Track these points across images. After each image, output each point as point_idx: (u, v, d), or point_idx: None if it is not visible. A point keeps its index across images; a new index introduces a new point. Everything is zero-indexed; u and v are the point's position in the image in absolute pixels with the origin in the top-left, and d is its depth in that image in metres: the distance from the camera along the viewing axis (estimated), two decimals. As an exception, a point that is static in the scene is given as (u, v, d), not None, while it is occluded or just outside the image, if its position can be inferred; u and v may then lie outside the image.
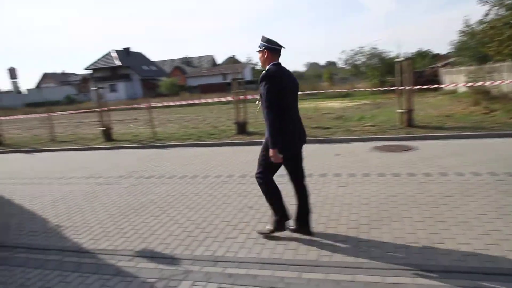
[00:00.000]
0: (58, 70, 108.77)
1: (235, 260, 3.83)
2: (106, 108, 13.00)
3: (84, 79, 68.88)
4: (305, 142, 4.16)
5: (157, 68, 69.69)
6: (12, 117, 20.88)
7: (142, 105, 16.78)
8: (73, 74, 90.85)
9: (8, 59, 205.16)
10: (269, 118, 3.75)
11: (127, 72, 61.22)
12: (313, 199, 5.33)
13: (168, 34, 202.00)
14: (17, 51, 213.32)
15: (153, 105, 20.94)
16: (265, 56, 3.95)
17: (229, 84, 34.74)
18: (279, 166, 4.10)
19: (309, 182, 6.17)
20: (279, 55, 3.98)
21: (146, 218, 5.26)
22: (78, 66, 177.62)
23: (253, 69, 73.59)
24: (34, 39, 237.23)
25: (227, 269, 3.68)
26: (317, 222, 4.57)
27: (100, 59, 62.75)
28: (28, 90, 72.39)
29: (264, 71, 3.88)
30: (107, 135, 12.53)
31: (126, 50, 65.30)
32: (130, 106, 21.41)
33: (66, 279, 3.75)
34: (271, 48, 3.93)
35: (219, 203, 5.66)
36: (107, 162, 9.53)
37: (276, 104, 3.74)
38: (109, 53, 62.77)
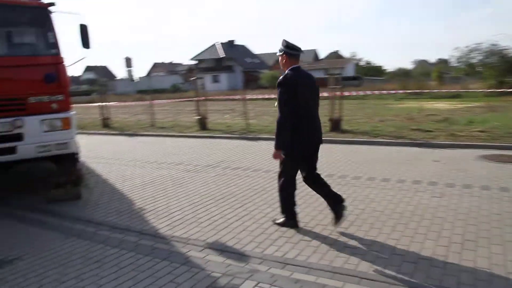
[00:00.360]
0: (167, 60, 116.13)
1: (305, 265, 3.58)
2: (203, 98, 13.39)
3: (190, 69, 72.68)
4: (321, 142, 4.32)
5: (260, 61, 70.97)
6: (122, 103, 22.69)
7: (238, 96, 17.03)
8: (180, 64, 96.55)
9: (126, 49, 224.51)
10: (279, 121, 4.02)
11: (230, 64, 63.26)
12: (401, 209, 4.88)
13: (272, 28, 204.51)
14: (135, 42, 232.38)
15: (248, 97, 21.36)
16: (284, 60, 4.12)
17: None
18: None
19: (399, 188, 5.72)
20: (298, 59, 4.16)
21: (224, 209, 5.22)
22: (186, 56, 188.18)
23: (357, 65, 71.44)
24: (149, 31, 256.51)
25: (294, 273, 3.45)
26: (402, 235, 4.13)
27: (205, 50, 65.73)
28: (140, 78, 78.36)
29: (281, 76, 4.05)
30: (202, 124, 12.93)
31: (231, 42, 67.47)
32: (225, 97, 21.96)
33: (137, 261, 3.83)
34: (289, 53, 4.08)
35: (299, 202, 5.42)
36: (198, 150, 9.79)
37: (287, 110, 3.95)
38: (214, 45, 65.44)
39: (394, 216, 4.68)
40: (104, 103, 15.71)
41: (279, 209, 4.60)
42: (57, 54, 6.13)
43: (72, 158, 6.66)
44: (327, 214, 4.81)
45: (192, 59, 66.92)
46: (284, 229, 4.46)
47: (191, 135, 12.12)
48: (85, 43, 6.71)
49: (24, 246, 4.34)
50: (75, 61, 8.66)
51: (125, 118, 19.19)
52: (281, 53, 4.13)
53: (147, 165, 8.26)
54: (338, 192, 4.40)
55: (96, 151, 10.55)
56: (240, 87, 54.75)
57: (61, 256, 4.03)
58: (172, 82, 71.23)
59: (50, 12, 6.21)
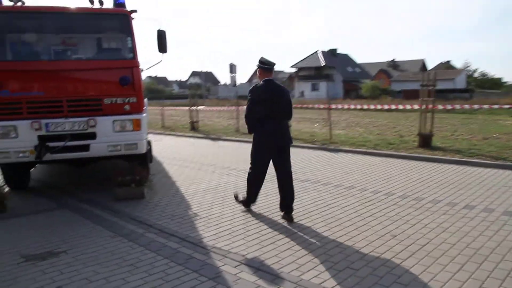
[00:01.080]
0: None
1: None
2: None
3: (290, 77, 73.13)
4: (282, 143, 5.12)
5: (362, 70, 69.05)
6: (217, 108, 23.30)
7: (321, 106, 16.45)
8: (282, 71, 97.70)
9: (233, 56, 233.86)
10: (245, 115, 5.15)
11: (331, 73, 62.37)
12: (479, 243, 4.15)
13: (374, 36, 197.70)
14: (242, 48, 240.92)
15: (340, 107, 20.71)
16: (259, 73, 5.11)
17: (440, 91, 31.63)
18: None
19: (483, 219, 4.90)
20: (271, 72, 5.10)
21: (275, 224, 4.95)
22: (288, 63, 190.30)
23: (470, 76, 65.95)
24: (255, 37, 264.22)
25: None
26: (485, 275, 3.47)
27: (306, 58, 65.67)
28: (240, 84, 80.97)
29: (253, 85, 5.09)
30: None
31: (333, 51, 66.60)
32: (311, 106, 21.45)
33: (168, 270, 3.73)
34: (263, 68, 5.06)
35: (357, 219, 4.97)
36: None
37: (250, 108, 5.01)
38: (315, 53, 65.10)
39: (467, 252, 3.99)
40: (194, 107, 16.28)
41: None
42: (133, 58, 6.37)
43: (142, 159, 6.90)
44: (386, 241, 4.30)
45: (292, 66, 67.34)
46: (331, 252, 4.05)
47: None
48: (162, 47, 6.91)
49: (75, 240, 4.50)
50: (151, 65, 9.01)
51: (217, 122, 19.74)
52: (257, 68, 5.10)
53: (218, 170, 8.28)
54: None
55: (175, 152, 10.93)
56: (339, 96, 53.71)
57: (102, 255, 4.08)
58: (271, 88, 72.21)
59: (131, 18, 6.49)
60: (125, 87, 6.26)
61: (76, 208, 5.83)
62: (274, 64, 5.03)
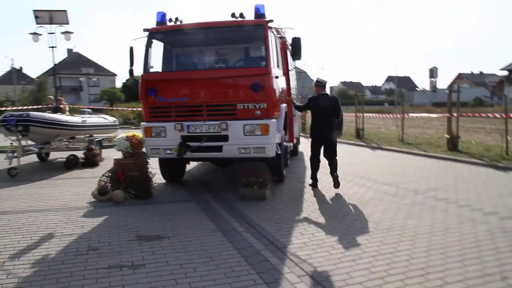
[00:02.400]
0: (476, 70, 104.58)
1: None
2: (455, 114, 11.67)
3: (500, 81, 63.96)
4: (328, 139, 7.28)
5: None
6: (389, 116, 21.97)
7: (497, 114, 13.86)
8: (493, 75, 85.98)
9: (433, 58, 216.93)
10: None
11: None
12: None
13: None
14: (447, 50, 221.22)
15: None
16: (316, 89, 7.54)
17: None
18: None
19: None
20: (324, 87, 7.49)
21: (379, 244, 4.64)
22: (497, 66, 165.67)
23: None
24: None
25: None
26: None
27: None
28: (438, 90, 74.51)
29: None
30: (452, 144, 11.38)
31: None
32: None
33: (236, 267, 3.92)
34: (318, 85, 7.51)
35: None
36: (424, 172, 8.80)
37: (302, 108, 8.45)
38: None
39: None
40: (359, 114, 15.92)
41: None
42: (266, 66, 6.77)
43: (275, 162, 7.27)
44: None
45: (502, 69, 58.72)
46: None
47: (431, 155, 10.90)
48: (297, 54, 7.13)
49: (181, 229, 5.13)
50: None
51: (391, 131, 18.66)
52: (313, 84, 7.61)
53: (357, 180, 8.09)
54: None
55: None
56: None
57: (193, 245, 4.56)
58: (476, 94, 64.75)
59: (268, 28, 6.90)
60: (256, 93, 6.69)
61: (203, 202, 6.57)
62: (325, 82, 7.50)
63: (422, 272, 3.78)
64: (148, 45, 7.18)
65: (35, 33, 15.65)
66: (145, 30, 7.24)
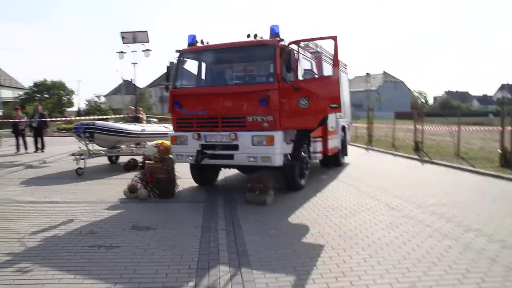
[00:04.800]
0: None
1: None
2: (510, 128, 10.94)
3: None
4: None
5: None
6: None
7: None
8: None
9: None
10: None
11: None
12: None
13: None
14: None
15: None
16: None
17: None
18: None
19: None
20: None
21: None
22: None
23: None
24: None
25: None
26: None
27: None
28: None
29: None
30: (505, 160, 10.69)
31: None
32: None
33: (162, 260, 4.68)
34: None
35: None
36: (450, 189, 8.55)
37: None
38: None
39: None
40: (418, 126, 15.44)
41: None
42: (272, 82, 7.41)
43: (288, 172, 7.92)
44: None
45: None
46: None
47: (476, 171, 10.40)
48: (287, 67, 7.53)
49: (172, 223, 6.01)
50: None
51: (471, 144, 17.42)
52: None
53: (379, 195, 7.87)
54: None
55: (367, 170, 11.09)
56: None
57: (167, 235, 5.42)
58: None
59: (278, 46, 7.53)
60: (263, 107, 7.38)
61: (212, 203, 7.38)
62: None
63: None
64: (177, 63, 8.29)
65: (121, 52, 18.00)
66: (176, 51, 8.38)
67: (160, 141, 8.26)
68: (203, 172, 9.04)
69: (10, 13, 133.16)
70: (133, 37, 17.63)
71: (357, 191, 8.37)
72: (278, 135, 7.40)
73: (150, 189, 7.86)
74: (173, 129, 8.38)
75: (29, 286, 3.89)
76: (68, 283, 3.92)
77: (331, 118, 11.11)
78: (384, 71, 79.76)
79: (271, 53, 7.55)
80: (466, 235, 5.37)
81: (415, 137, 15.43)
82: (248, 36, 7.86)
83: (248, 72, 8.53)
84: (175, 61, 8.37)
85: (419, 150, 14.85)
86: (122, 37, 17.81)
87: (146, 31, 17.79)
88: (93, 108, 42.74)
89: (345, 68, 14.05)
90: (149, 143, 8.48)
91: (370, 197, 7.75)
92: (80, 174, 10.38)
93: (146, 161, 8.38)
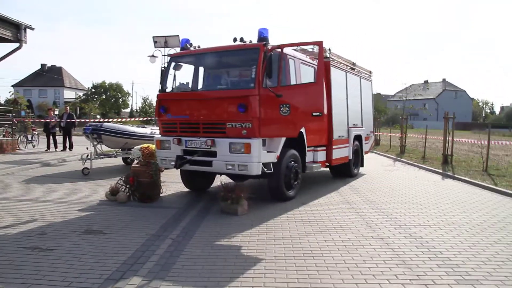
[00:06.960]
0: None
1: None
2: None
3: None
4: None
5: None
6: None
7: None
8: None
9: None
10: None
11: None
12: None
13: None
14: None
15: None
16: None
17: None
18: None
19: None
20: None
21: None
22: None
23: None
24: None
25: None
26: None
27: None
28: None
29: None
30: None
31: None
32: None
33: (107, 260, 4.57)
34: None
35: None
36: (455, 208, 7.79)
37: None
38: None
39: None
40: (448, 137, 14.28)
41: None
42: (252, 87, 7.13)
43: (273, 182, 7.67)
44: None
45: None
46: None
47: (500, 190, 9.29)
48: (269, 74, 7.18)
49: (126, 229, 5.93)
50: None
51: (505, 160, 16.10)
52: None
53: (366, 211, 7.33)
54: None
55: (376, 183, 10.46)
56: None
57: (109, 242, 5.33)
58: None
59: (262, 51, 7.23)
60: (242, 114, 7.12)
61: (186, 210, 7.23)
62: None
63: None
64: (166, 68, 8.28)
65: (152, 55, 18.41)
66: (167, 55, 8.38)
67: (145, 145, 8.27)
68: (194, 178, 8.92)
69: (76, 17, 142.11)
70: (165, 42, 17.94)
71: (347, 205, 7.84)
72: (256, 143, 7.11)
73: (131, 193, 7.87)
74: (160, 133, 8.36)
75: None
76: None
77: (341, 127, 10.63)
78: (443, 79, 75.58)
79: (255, 58, 7.29)
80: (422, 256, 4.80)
81: (444, 150, 14.34)
82: (235, 40, 7.65)
83: (232, 77, 8.33)
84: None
85: (447, 164, 13.80)
86: (154, 42, 18.17)
87: (178, 35, 17.92)
88: (141, 111, 44.45)
89: (369, 75, 13.44)
90: (135, 147, 8.52)
91: (355, 212, 7.22)
92: (86, 174, 10.67)
93: (132, 164, 8.42)
